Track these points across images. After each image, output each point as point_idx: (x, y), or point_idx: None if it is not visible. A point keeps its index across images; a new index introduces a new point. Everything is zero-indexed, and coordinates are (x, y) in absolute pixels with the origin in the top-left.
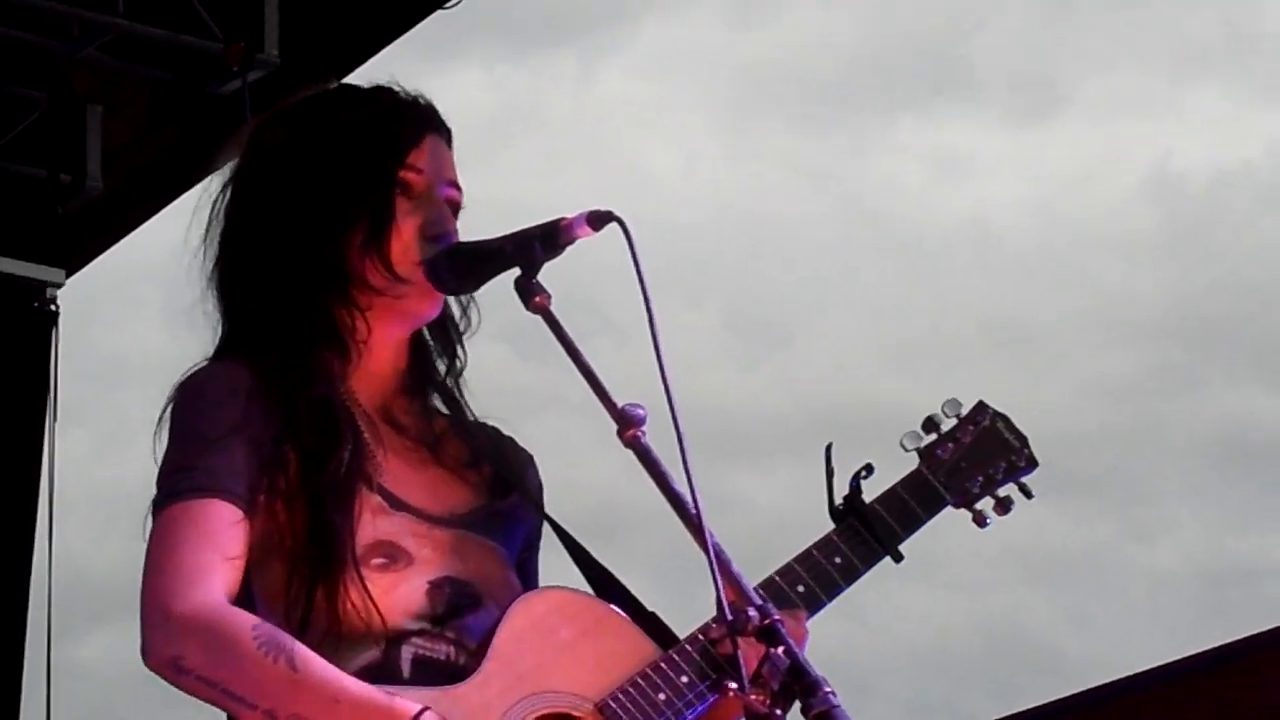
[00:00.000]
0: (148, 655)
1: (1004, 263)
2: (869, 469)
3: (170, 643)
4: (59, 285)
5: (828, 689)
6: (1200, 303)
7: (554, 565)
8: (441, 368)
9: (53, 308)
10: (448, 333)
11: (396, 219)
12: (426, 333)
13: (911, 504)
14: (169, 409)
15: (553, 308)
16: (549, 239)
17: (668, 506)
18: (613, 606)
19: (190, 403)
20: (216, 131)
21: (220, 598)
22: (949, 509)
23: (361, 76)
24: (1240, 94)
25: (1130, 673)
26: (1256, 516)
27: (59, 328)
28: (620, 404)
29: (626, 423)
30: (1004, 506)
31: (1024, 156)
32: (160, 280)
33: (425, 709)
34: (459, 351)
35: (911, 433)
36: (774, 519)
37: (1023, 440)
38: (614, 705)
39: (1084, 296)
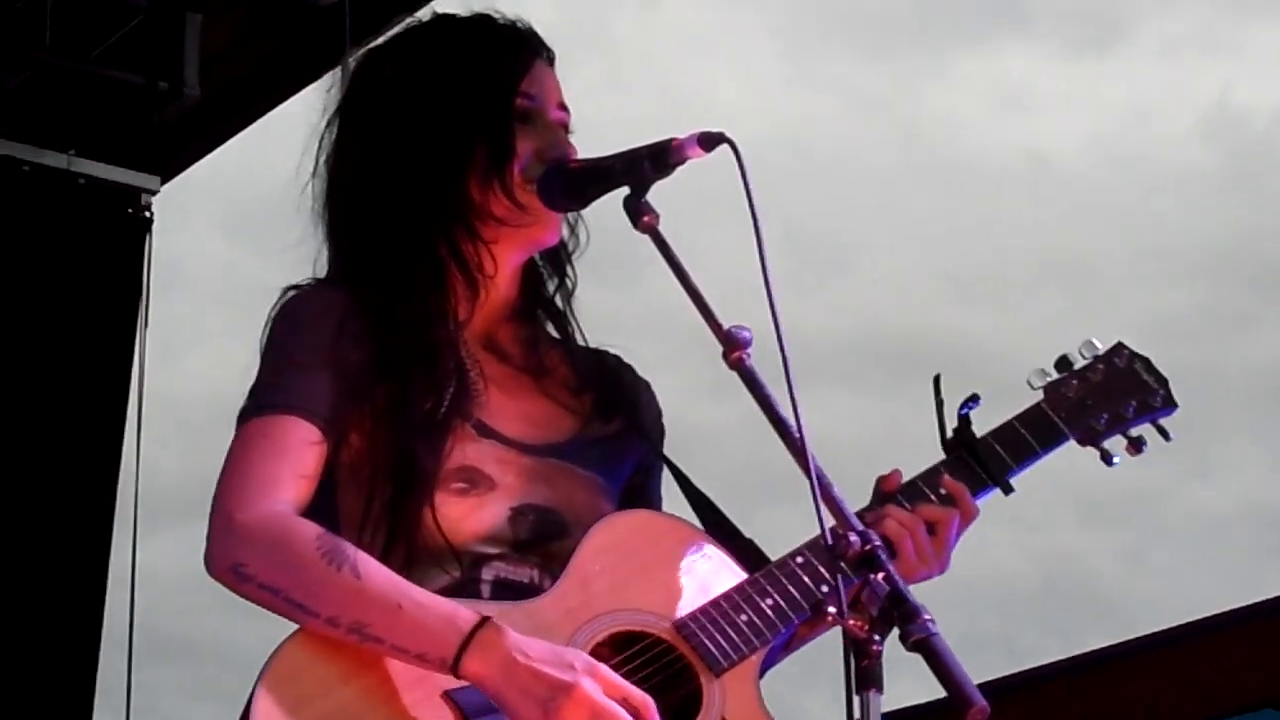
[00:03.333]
0: (210, 562)
1: (1061, 197)
2: (975, 399)
3: (233, 549)
4: (154, 192)
5: (926, 616)
6: (1260, 242)
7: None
8: (552, 288)
9: (147, 214)
10: (558, 253)
11: (515, 146)
12: (536, 257)
13: (1026, 436)
14: (266, 327)
15: (661, 227)
16: (658, 159)
17: (726, 428)
18: (699, 529)
19: (284, 324)
20: (314, 44)
21: (286, 508)
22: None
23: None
24: None
25: (1185, 615)
26: None
27: (153, 234)
28: (726, 326)
29: (732, 344)
30: (1136, 446)
31: (1082, 90)
32: (219, 192)
33: (487, 618)
34: (569, 272)
35: (1039, 370)
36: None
37: (1162, 381)
38: (692, 625)
39: (1142, 233)
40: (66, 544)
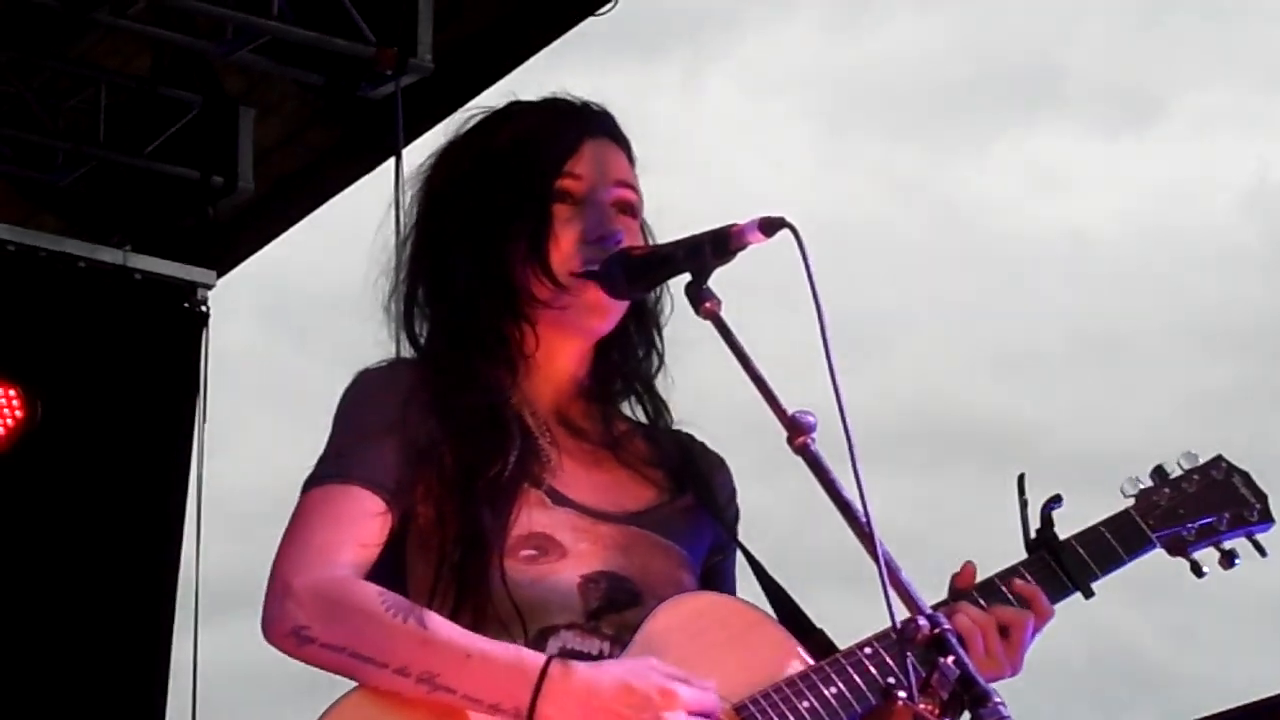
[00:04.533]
0: (269, 627)
1: (1099, 275)
2: (1058, 500)
3: (291, 613)
4: (210, 286)
5: (998, 700)
6: None
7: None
8: (642, 369)
9: (203, 308)
10: (649, 335)
11: (555, 228)
12: (633, 327)
13: (1111, 541)
14: (339, 402)
15: (723, 314)
16: (720, 244)
17: (773, 511)
18: (767, 613)
19: (354, 398)
20: (366, 137)
21: (346, 572)
22: (1161, 554)
23: (512, 81)
24: None
25: (1238, 695)
26: None
27: (209, 329)
28: (790, 411)
29: (797, 430)
30: (1229, 559)
31: (1119, 169)
32: (259, 284)
33: (551, 657)
34: (657, 345)
35: (1131, 479)
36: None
37: (1260, 496)
38: (752, 708)
39: (1181, 310)
40: (128, 639)
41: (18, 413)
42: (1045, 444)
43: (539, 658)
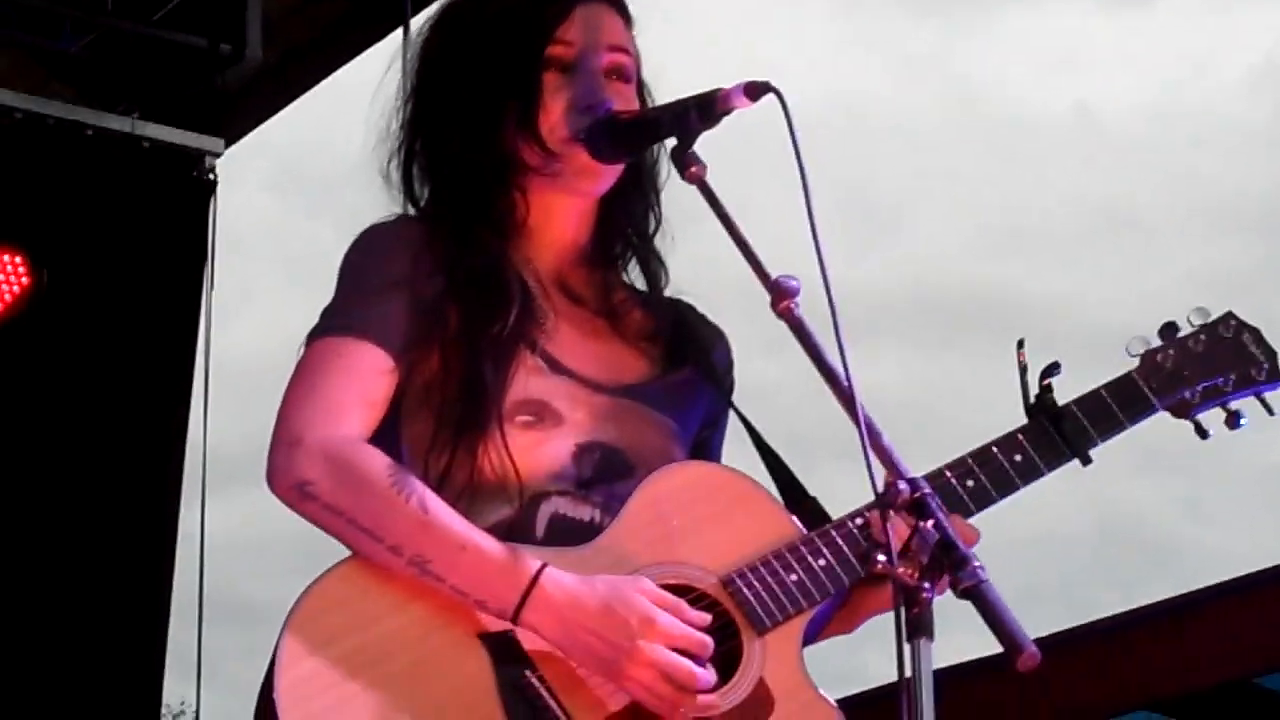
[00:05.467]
0: (274, 477)
1: (1109, 152)
2: (1056, 366)
3: (300, 467)
4: (218, 155)
5: (976, 563)
6: None
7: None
8: (641, 228)
9: (211, 177)
10: (645, 190)
11: (544, 96)
12: (631, 188)
13: (1111, 405)
14: (344, 258)
15: (708, 178)
16: (705, 109)
17: (781, 384)
18: (760, 485)
19: (361, 252)
20: (376, 6)
21: (354, 435)
22: (1166, 418)
23: None
24: None
25: (1245, 565)
26: None
27: (217, 197)
28: (774, 275)
29: (781, 294)
30: (1234, 419)
31: (1130, 45)
32: (268, 154)
33: (544, 566)
34: (652, 214)
35: (1139, 338)
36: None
37: (1270, 354)
38: (739, 581)
39: (1190, 187)
40: (135, 509)
41: (24, 279)
42: (1055, 318)
43: (533, 564)
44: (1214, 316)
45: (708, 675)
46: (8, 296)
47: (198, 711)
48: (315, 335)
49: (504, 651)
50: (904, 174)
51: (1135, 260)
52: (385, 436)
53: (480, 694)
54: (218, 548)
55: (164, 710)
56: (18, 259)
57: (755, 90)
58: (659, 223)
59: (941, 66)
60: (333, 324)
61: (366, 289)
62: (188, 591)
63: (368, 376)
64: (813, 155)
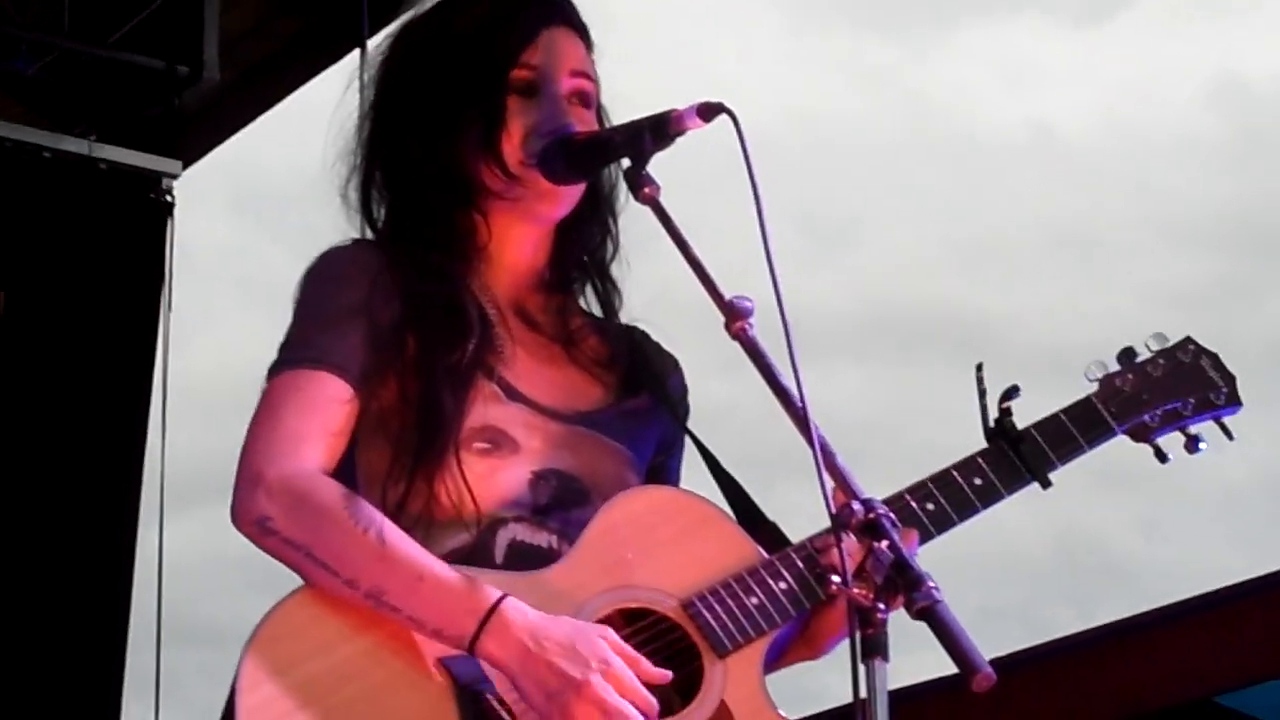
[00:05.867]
0: (237, 514)
1: (1068, 168)
2: (1016, 390)
3: (259, 503)
4: (175, 176)
5: (931, 584)
6: (1269, 209)
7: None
8: (596, 252)
9: (169, 199)
10: (604, 215)
11: (507, 119)
12: (589, 213)
13: (1071, 429)
14: (300, 283)
15: (661, 199)
16: (659, 130)
17: (736, 405)
18: (719, 509)
19: (318, 280)
20: (334, 25)
21: (314, 467)
22: (1125, 440)
23: None
24: None
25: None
26: None
27: (174, 219)
28: (728, 296)
29: (734, 315)
30: (1193, 444)
31: (1088, 61)
32: (234, 175)
33: (505, 596)
34: (609, 241)
35: (1098, 362)
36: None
37: (1228, 379)
38: (699, 604)
39: (1147, 203)
40: (93, 530)
41: None
42: (1013, 336)
43: (493, 593)
44: (1172, 342)
45: None
46: None
47: None
48: (275, 369)
49: (465, 675)
50: (859, 189)
51: (1093, 277)
52: (341, 464)
53: (441, 717)
54: (175, 568)
55: None
56: None
57: (708, 111)
58: (616, 249)
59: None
60: (292, 357)
61: (324, 318)
62: (145, 613)
63: (328, 407)
64: (767, 172)
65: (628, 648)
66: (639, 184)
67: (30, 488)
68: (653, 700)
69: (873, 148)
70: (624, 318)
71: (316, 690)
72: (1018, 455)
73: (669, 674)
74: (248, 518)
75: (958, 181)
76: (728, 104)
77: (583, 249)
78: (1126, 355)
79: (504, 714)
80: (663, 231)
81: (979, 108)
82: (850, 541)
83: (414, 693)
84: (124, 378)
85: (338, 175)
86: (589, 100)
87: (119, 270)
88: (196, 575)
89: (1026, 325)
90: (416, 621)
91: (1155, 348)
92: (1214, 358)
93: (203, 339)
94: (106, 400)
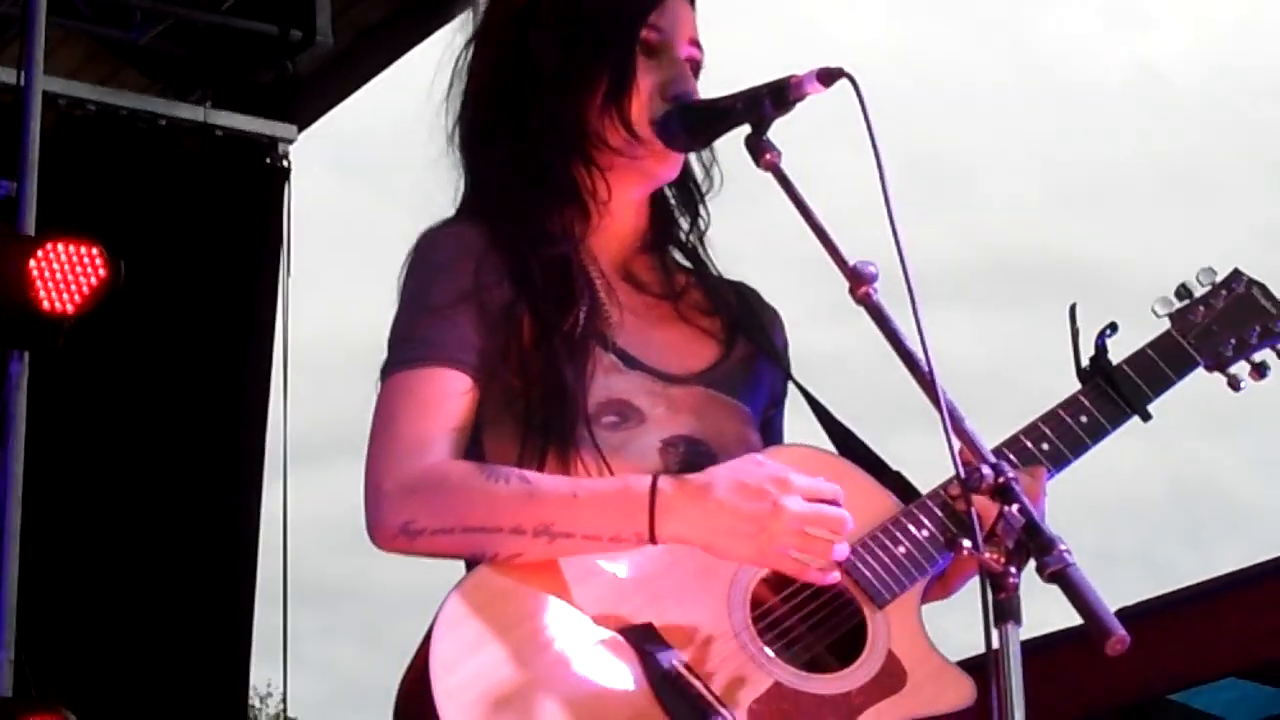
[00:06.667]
0: (375, 534)
1: (1175, 109)
2: (1113, 327)
3: (393, 512)
4: (290, 141)
5: (1063, 547)
6: None
7: (795, 428)
8: (684, 225)
9: (285, 163)
10: (690, 192)
11: (636, 78)
12: (668, 192)
13: (1160, 364)
14: (403, 271)
15: (783, 165)
16: (778, 96)
17: (847, 351)
18: (850, 463)
19: (422, 268)
20: None
21: (436, 459)
22: (1202, 371)
23: None
24: None
25: None
26: None
27: (290, 183)
28: (852, 261)
29: (859, 280)
30: (1259, 371)
31: (1195, 4)
32: (339, 138)
33: (656, 476)
34: (701, 211)
35: (1163, 298)
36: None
37: (1278, 306)
38: (853, 558)
39: (1257, 143)
40: (219, 492)
41: (101, 271)
42: (1124, 278)
43: (644, 479)
44: (1220, 276)
45: (849, 517)
46: (85, 289)
47: (285, 692)
48: (388, 370)
49: (647, 643)
50: (970, 137)
51: (1203, 216)
52: (466, 452)
53: (636, 691)
54: (294, 530)
55: (250, 693)
56: (94, 251)
57: (828, 76)
58: (708, 222)
59: (1007, 29)
60: (402, 356)
61: (431, 308)
62: (267, 574)
63: (444, 403)
64: (880, 122)
65: (781, 465)
66: (760, 150)
67: (154, 456)
68: (835, 486)
69: (983, 96)
70: (721, 272)
71: (508, 670)
72: (1116, 391)
73: (837, 486)
74: (387, 532)
75: (1066, 125)
76: (846, 67)
77: (683, 205)
78: (1184, 291)
79: (693, 680)
80: (751, 185)
81: (1089, 53)
82: (978, 503)
83: (604, 667)
84: (245, 343)
85: (448, 128)
86: (699, 70)
87: (237, 235)
88: (313, 535)
89: (1136, 265)
90: (592, 538)
91: (1207, 282)
92: (1263, 287)
93: (318, 301)
94: (227, 366)
